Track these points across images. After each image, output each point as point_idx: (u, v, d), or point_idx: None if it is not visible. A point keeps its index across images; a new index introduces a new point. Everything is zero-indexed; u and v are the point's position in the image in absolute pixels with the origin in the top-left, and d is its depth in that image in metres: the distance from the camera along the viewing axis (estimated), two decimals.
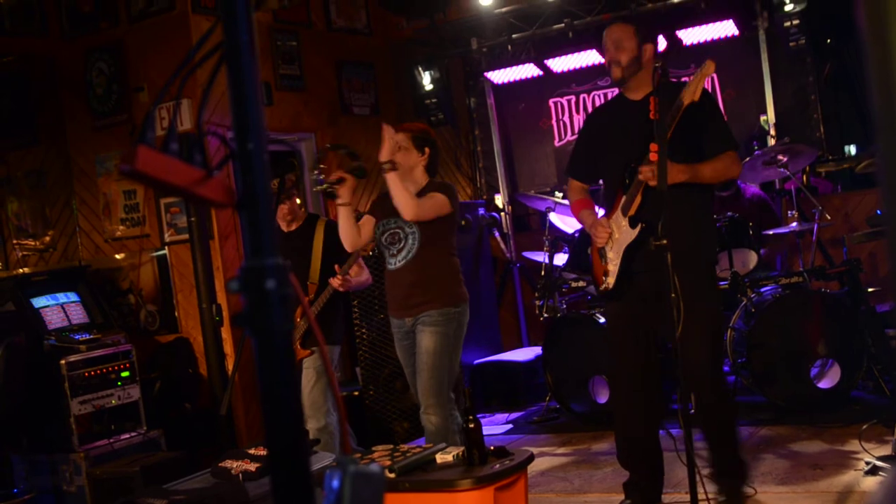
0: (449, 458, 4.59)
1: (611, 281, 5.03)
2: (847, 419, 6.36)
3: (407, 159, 5.66)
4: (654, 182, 4.58)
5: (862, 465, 5.42)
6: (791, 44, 7.96)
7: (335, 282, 6.11)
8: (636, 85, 5.13)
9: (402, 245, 5.69)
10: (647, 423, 5.16)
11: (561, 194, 8.32)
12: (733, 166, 5.07)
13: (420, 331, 5.65)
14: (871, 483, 5.16)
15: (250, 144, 1.51)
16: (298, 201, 6.64)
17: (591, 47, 9.03)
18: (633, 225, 4.90)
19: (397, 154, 5.59)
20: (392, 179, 5.49)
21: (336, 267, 6.12)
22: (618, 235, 4.99)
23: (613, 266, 5.02)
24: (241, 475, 4.84)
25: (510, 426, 7.87)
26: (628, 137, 4.98)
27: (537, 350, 8.56)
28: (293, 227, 6.50)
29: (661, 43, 7.89)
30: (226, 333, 7.58)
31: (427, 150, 5.74)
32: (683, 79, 5.43)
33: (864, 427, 5.86)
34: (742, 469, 5.08)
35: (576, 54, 9.17)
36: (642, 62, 5.08)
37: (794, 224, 7.25)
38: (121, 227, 8.28)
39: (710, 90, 8.69)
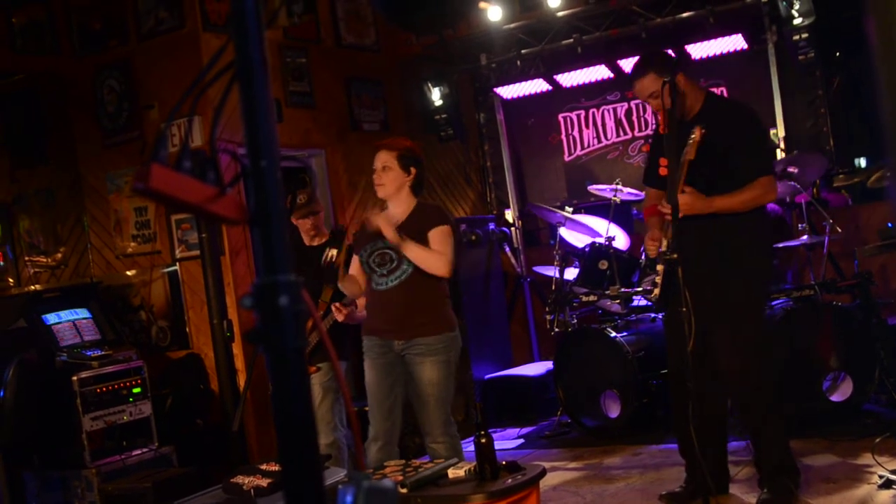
0: (461, 473, 4.59)
1: (657, 292, 5.29)
2: (859, 432, 6.34)
3: (393, 181, 5.58)
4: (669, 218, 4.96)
5: (875, 478, 5.40)
6: (800, 57, 7.96)
7: (339, 316, 5.97)
8: (688, 110, 5.33)
9: (394, 266, 5.56)
10: (720, 406, 5.46)
11: (571, 209, 8.32)
12: (767, 194, 5.25)
13: (418, 361, 5.50)
14: (884, 497, 5.14)
15: (263, 162, 1.52)
16: (323, 216, 6.63)
17: (599, 62, 9.04)
18: (669, 250, 5.08)
19: (383, 176, 5.58)
20: (410, 250, 5.43)
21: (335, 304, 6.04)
22: (663, 249, 5.21)
23: (659, 279, 5.28)
24: (252, 491, 4.83)
25: (521, 441, 7.86)
26: (674, 158, 5.08)
27: (548, 365, 8.55)
28: (315, 243, 6.47)
29: (740, 42, 8.28)
30: (237, 349, 7.58)
31: (413, 169, 5.62)
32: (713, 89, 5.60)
33: (878, 440, 5.84)
34: (790, 471, 5.30)
35: (585, 69, 9.18)
36: (680, 92, 5.19)
37: (805, 237, 7.24)
38: (132, 244, 8.30)
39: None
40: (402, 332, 5.53)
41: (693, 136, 4.96)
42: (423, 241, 5.48)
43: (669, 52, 5.84)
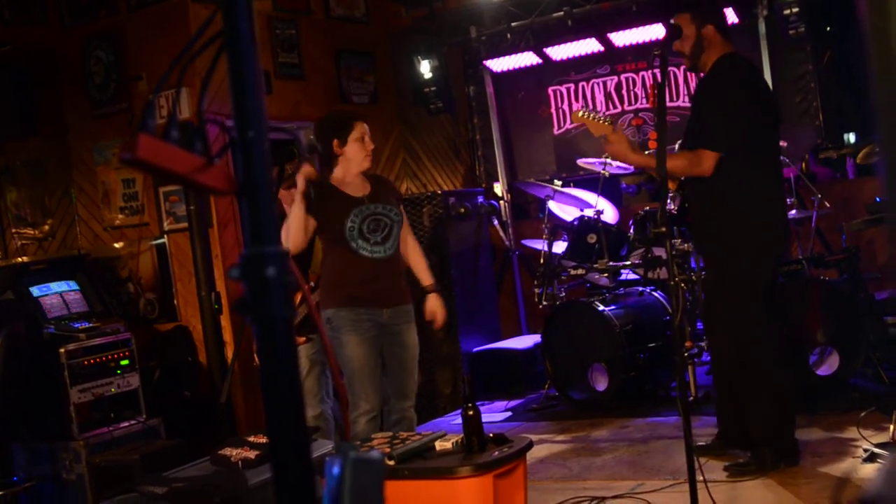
0: (448, 445, 4.60)
1: None
2: (845, 406, 6.37)
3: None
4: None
5: (860, 452, 5.43)
6: (791, 31, 7.95)
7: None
8: (704, 65, 5.35)
9: (387, 233, 5.57)
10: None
11: (560, 182, 8.31)
12: (699, 165, 5.21)
13: (405, 329, 5.62)
14: (869, 470, 5.17)
15: (251, 133, 1.52)
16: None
17: (589, 35, 9.02)
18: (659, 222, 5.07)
19: (371, 144, 5.73)
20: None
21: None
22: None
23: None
24: (240, 463, 4.84)
25: (509, 414, 7.89)
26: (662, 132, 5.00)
27: (536, 338, 8.57)
28: None
29: (731, 16, 8.11)
30: (225, 321, 7.58)
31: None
32: (684, 66, 5.62)
33: (863, 414, 5.88)
34: (782, 450, 5.35)
35: (575, 42, 9.15)
36: (704, 44, 5.28)
37: (794, 211, 7.24)
38: (120, 216, 8.28)
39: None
40: (390, 301, 5.56)
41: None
42: (396, 200, 5.79)
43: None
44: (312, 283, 6.26)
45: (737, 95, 5.25)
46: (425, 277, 5.84)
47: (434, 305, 5.75)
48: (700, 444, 5.71)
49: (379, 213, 5.57)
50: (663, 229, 4.41)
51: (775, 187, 5.49)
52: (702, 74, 5.41)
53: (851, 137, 8.62)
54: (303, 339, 6.24)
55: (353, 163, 5.63)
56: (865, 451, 5.36)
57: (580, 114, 5.34)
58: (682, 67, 8.84)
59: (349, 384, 5.48)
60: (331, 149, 5.64)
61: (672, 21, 5.37)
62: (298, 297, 5.32)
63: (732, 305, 5.31)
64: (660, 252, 7.33)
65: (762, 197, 5.36)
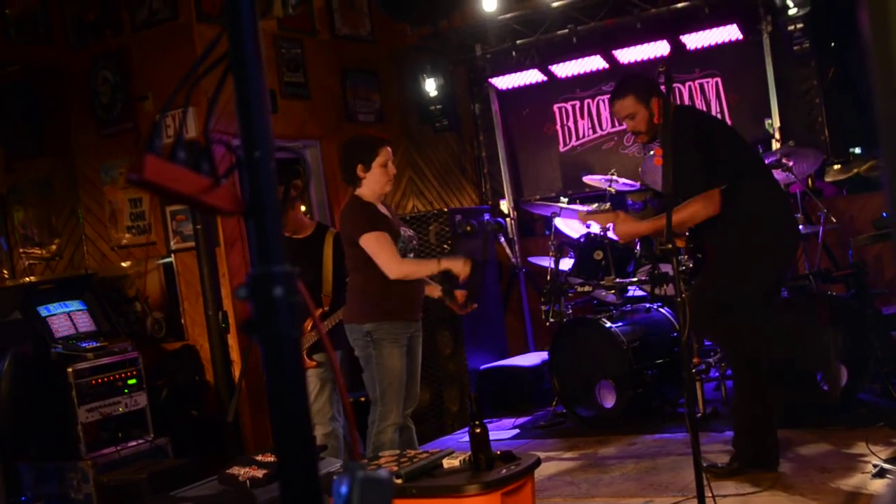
0: (456, 463, 4.59)
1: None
2: (854, 422, 6.35)
3: None
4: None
5: (869, 467, 5.41)
6: (795, 47, 7.96)
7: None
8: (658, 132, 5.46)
9: (413, 247, 5.99)
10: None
11: (566, 199, 8.32)
12: (712, 203, 5.36)
13: (418, 340, 5.91)
14: (878, 486, 5.15)
15: (257, 153, 1.52)
16: (304, 209, 6.63)
17: (594, 52, 9.03)
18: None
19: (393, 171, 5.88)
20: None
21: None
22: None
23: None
24: (248, 482, 4.84)
25: (517, 431, 7.87)
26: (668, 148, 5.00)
27: (543, 355, 8.56)
28: (301, 236, 6.50)
29: (735, 33, 8.29)
30: (232, 340, 7.59)
31: None
32: (689, 83, 5.68)
33: (872, 430, 5.85)
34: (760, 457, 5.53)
35: (580, 60, 9.17)
36: (655, 118, 5.43)
37: (800, 227, 7.24)
38: (127, 235, 8.30)
39: (714, 95, 8.71)
40: (419, 314, 5.90)
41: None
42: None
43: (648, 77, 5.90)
44: (326, 308, 6.31)
45: (705, 129, 5.51)
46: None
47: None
48: (717, 464, 5.70)
49: (407, 238, 5.93)
50: (669, 246, 4.39)
51: (775, 198, 5.64)
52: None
53: (857, 152, 8.62)
54: (313, 363, 6.28)
55: (375, 187, 5.76)
56: (874, 466, 5.33)
57: (583, 214, 6.10)
58: (687, 84, 8.87)
59: (383, 395, 5.65)
60: (354, 172, 5.75)
61: (616, 103, 5.63)
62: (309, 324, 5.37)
63: (729, 318, 5.48)
64: (666, 268, 7.33)
65: (765, 209, 5.51)
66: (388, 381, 5.65)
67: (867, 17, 1.09)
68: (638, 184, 8.21)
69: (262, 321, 1.51)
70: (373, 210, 5.75)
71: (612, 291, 7.73)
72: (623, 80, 5.72)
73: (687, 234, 5.70)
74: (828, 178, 7.68)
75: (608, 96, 9.24)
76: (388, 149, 5.79)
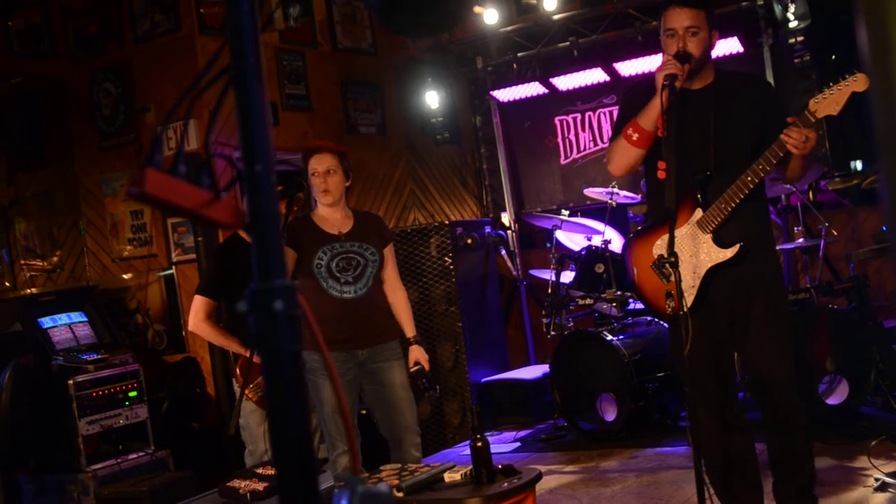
0: (457, 476, 4.59)
1: (688, 301, 4.42)
2: (856, 435, 6.34)
3: (338, 186, 5.43)
4: (802, 151, 4.24)
5: (871, 481, 5.40)
6: (796, 60, 7.96)
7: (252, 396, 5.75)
8: (699, 77, 4.61)
9: (359, 272, 5.34)
10: (745, 442, 4.72)
11: (567, 212, 8.32)
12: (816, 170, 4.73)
13: (386, 367, 5.37)
14: (880, 500, 5.15)
15: (258, 167, 1.53)
16: None
17: (595, 65, 9.05)
18: (721, 243, 4.45)
19: (329, 180, 5.38)
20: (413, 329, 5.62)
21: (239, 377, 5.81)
22: (692, 253, 4.51)
23: (690, 286, 4.48)
24: (249, 495, 4.84)
25: (518, 444, 7.86)
26: (691, 137, 4.51)
27: (545, 368, 8.55)
28: None
29: (736, 45, 7.95)
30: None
31: (350, 175, 5.54)
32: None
33: (873, 443, 5.85)
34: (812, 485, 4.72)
35: (581, 72, 9.18)
36: (710, 52, 4.59)
37: (801, 240, 7.24)
38: (128, 247, 8.30)
39: None
40: (366, 341, 5.34)
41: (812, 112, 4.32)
42: (379, 239, 5.49)
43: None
44: None
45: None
46: (408, 328, 5.59)
47: (416, 355, 5.51)
48: None
49: (352, 251, 5.36)
50: (672, 258, 4.33)
51: None
52: (693, 87, 4.61)
53: (858, 165, 8.62)
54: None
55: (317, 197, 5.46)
56: (876, 480, 5.32)
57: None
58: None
59: (325, 426, 5.32)
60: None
61: (680, 11, 4.52)
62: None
63: (788, 331, 4.72)
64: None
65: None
66: (324, 414, 5.27)
67: (864, 33, 1.09)
68: (639, 196, 8.20)
69: (263, 335, 1.51)
70: (293, 222, 5.40)
71: (614, 304, 7.73)
72: None
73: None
74: (829, 187, 7.69)
75: (609, 108, 9.31)
76: (319, 157, 5.37)
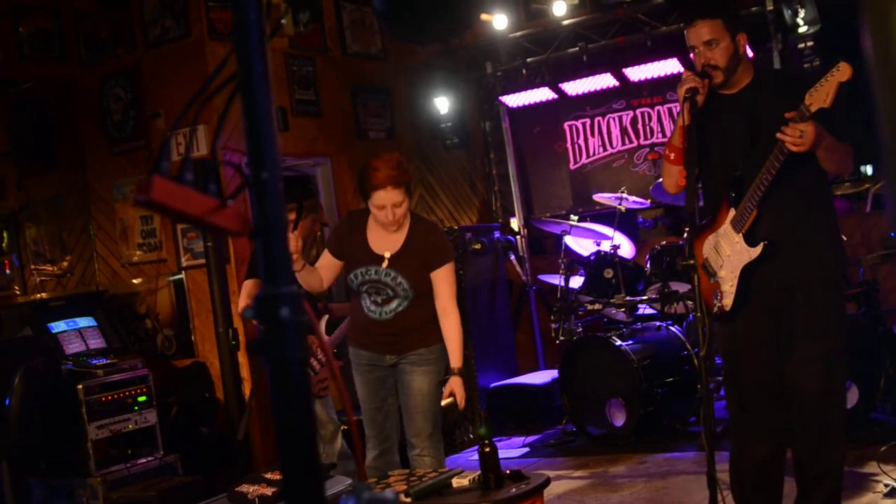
0: (465, 482, 4.59)
1: (727, 303, 4.50)
2: (865, 441, 6.31)
3: (405, 212, 5.27)
4: (801, 148, 4.19)
5: (881, 487, 5.39)
6: (805, 65, 7.96)
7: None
8: (735, 80, 4.59)
9: (388, 298, 5.30)
10: (778, 449, 4.69)
11: (576, 217, 8.32)
12: (851, 161, 4.54)
13: (409, 370, 5.35)
14: None
15: (265, 174, 1.53)
16: (319, 234, 6.63)
17: (605, 71, 9.05)
18: (750, 242, 4.44)
19: (398, 212, 5.17)
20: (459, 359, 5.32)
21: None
22: (729, 253, 4.51)
23: (729, 286, 4.51)
24: (257, 500, 4.83)
25: (526, 449, 7.85)
26: (727, 140, 4.54)
27: (553, 373, 8.55)
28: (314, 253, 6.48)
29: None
30: (242, 358, 7.58)
31: (412, 189, 5.40)
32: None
33: (883, 449, 5.83)
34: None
35: (590, 77, 9.19)
36: (740, 55, 4.56)
37: None
38: (138, 252, 8.32)
39: None
40: (394, 349, 5.37)
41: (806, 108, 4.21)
42: (423, 266, 5.28)
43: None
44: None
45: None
46: (453, 357, 5.28)
47: (453, 387, 5.23)
48: None
49: (383, 282, 5.27)
50: (692, 262, 4.32)
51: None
52: (730, 91, 4.59)
53: (868, 170, 8.61)
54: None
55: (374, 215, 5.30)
56: (886, 486, 5.32)
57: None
58: (666, 107, 8.88)
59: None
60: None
61: (696, 26, 4.52)
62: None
63: (830, 340, 4.59)
64: (677, 287, 7.32)
65: (833, 210, 4.78)
66: (361, 411, 5.53)
67: (870, 39, 1.09)
68: (648, 202, 8.20)
69: (269, 342, 1.51)
70: (342, 225, 5.42)
71: (623, 309, 7.73)
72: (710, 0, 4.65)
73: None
74: (838, 193, 7.66)
75: (619, 114, 9.31)
76: (383, 192, 5.13)
